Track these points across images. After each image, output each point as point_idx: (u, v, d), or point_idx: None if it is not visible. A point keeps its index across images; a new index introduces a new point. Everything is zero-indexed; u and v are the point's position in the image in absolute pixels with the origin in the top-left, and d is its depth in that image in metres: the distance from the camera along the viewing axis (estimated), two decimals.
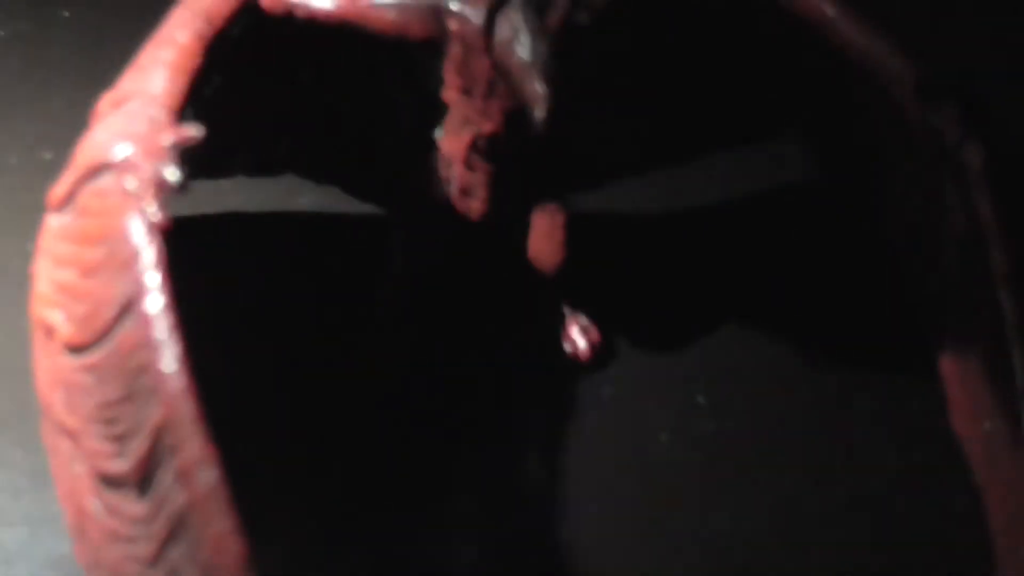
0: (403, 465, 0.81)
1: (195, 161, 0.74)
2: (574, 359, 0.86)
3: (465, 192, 0.84)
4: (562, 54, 0.70)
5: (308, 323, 0.88)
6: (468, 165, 0.82)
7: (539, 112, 0.69)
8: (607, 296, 0.90)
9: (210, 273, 0.86)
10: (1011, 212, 0.75)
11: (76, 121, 0.73)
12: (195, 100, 0.71)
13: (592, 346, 0.86)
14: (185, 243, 0.66)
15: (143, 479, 0.64)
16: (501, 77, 0.74)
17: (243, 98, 0.82)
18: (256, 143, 0.86)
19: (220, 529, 0.61)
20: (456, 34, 0.74)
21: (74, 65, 1.04)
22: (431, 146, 0.83)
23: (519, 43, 0.70)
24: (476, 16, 0.74)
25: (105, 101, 0.73)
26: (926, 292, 0.83)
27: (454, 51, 0.75)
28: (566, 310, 0.87)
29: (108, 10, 1.09)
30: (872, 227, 0.88)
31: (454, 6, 0.74)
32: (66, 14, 1.09)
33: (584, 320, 0.87)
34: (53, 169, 0.71)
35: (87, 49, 1.05)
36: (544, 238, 0.86)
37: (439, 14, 0.75)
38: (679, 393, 0.85)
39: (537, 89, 0.69)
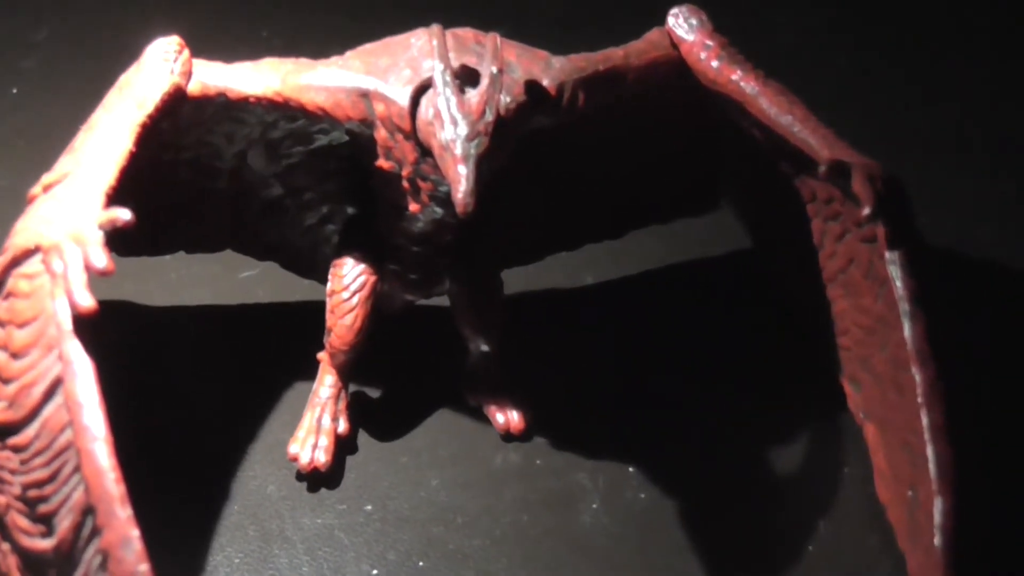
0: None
1: (134, 239, 0.76)
2: (506, 431, 0.87)
3: (399, 270, 0.85)
4: (485, 135, 0.72)
5: (231, 403, 0.89)
6: (399, 244, 0.83)
7: (459, 192, 0.70)
8: (541, 367, 0.91)
9: (135, 354, 0.88)
10: (927, 288, 0.77)
11: (22, 199, 0.75)
12: (126, 183, 0.72)
13: (524, 418, 0.87)
14: (111, 324, 0.68)
15: (67, 558, 0.65)
16: (424, 157, 0.75)
17: (175, 179, 0.84)
18: (190, 223, 0.87)
19: None
20: (381, 116, 0.76)
21: (23, 143, 1.05)
22: (366, 226, 0.85)
23: (440, 124, 0.72)
24: (401, 98, 0.75)
25: (39, 184, 0.75)
26: (848, 360, 0.85)
27: (380, 133, 0.77)
28: (500, 382, 0.88)
29: (58, 87, 1.10)
30: (800, 297, 0.89)
31: (380, 88, 0.76)
32: (14, 91, 1.10)
33: (517, 391, 0.88)
34: None
35: (36, 126, 1.06)
36: (480, 312, 0.87)
37: (366, 96, 0.77)
38: (610, 463, 0.86)
39: (458, 170, 0.71)
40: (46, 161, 0.76)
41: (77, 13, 1.17)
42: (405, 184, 0.78)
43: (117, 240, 0.69)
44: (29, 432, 0.66)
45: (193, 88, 0.78)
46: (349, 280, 0.84)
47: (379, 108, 0.76)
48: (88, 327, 0.66)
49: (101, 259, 0.66)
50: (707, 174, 0.93)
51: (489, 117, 0.72)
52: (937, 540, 0.71)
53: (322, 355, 0.86)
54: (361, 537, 0.82)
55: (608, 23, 0.88)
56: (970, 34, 1.17)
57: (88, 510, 0.64)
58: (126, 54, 0.80)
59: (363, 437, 0.88)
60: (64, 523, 0.65)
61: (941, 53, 1.15)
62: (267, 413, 0.88)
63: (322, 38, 0.85)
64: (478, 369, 0.89)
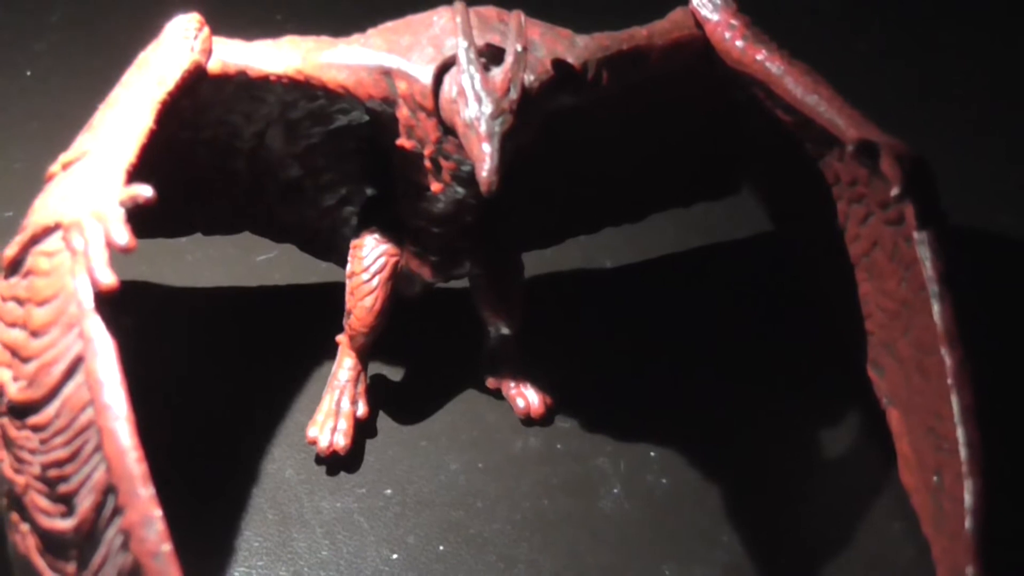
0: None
1: (151, 220, 0.75)
2: (526, 415, 0.87)
3: (419, 252, 0.84)
4: (509, 113, 0.71)
5: (249, 386, 0.88)
6: (419, 226, 0.82)
7: (484, 170, 0.69)
8: (561, 351, 0.90)
9: (152, 336, 0.87)
10: (954, 269, 0.76)
11: (38, 180, 0.74)
12: (146, 161, 0.71)
13: (544, 402, 0.87)
14: (127, 306, 0.67)
15: (88, 538, 0.64)
16: (447, 136, 0.74)
17: (193, 159, 0.83)
18: (207, 204, 0.87)
19: None
20: (404, 94, 0.75)
21: (37, 124, 1.05)
22: (386, 207, 0.84)
23: (464, 102, 0.71)
24: (424, 76, 0.75)
25: (58, 162, 0.74)
26: (871, 344, 0.84)
27: (402, 111, 0.76)
28: (520, 366, 0.88)
29: (71, 69, 1.09)
30: (822, 281, 0.89)
31: (402, 67, 0.75)
32: (28, 73, 1.09)
33: (537, 375, 0.87)
34: (14, 227, 0.71)
35: (49, 108, 1.06)
36: (500, 294, 0.87)
37: (388, 74, 0.76)
38: (631, 448, 0.86)
39: (482, 148, 0.70)
40: (60, 143, 0.75)
41: None
42: (427, 163, 0.77)
43: (134, 221, 0.68)
44: (49, 411, 0.65)
45: (213, 66, 0.77)
46: (369, 261, 0.83)
47: (401, 86, 0.75)
48: (109, 304, 0.65)
49: (123, 236, 0.65)
50: (729, 157, 0.92)
51: (514, 95, 0.71)
52: (968, 523, 0.70)
53: (341, 338, 0.86)
54: (380, 521, 0.82)
55: (631, 2, 0.87)
56: (992, 17, 1.16)
57: (109, 489, 0.63)
58: (138, 37, 0.80)
59: (382, 420, 0.87)
60: (85, 503, 0.64)
61: (963, 36, 1.14)
62: (286, 396, 0.88)
63: (337, 21, 0.84)
64: (498, 352, 0.88)
